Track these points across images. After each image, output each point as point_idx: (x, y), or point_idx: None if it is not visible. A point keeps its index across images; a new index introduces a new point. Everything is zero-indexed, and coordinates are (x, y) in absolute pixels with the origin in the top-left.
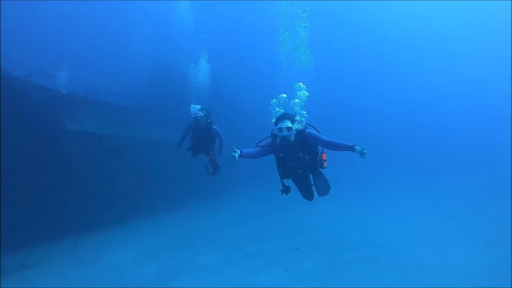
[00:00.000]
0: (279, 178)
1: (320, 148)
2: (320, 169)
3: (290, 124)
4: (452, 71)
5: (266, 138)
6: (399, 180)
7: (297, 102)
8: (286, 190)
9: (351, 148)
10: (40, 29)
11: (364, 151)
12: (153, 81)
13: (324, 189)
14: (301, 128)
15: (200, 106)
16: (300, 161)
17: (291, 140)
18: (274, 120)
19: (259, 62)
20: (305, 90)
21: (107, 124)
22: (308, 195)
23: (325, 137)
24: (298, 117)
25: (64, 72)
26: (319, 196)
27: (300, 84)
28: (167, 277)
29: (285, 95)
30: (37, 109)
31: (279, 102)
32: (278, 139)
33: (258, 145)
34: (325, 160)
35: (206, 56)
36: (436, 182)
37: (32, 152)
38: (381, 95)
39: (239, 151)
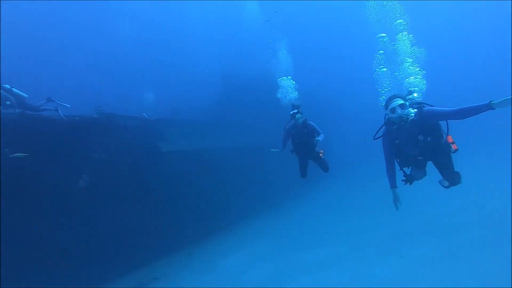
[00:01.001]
0: (399, 168)
1: (445, 129)
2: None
3: (402, 101)
4: None
5: (380, 128)
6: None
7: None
8: (409, 179)
9: (489, 106)
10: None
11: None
12: (227, 90)
13: (454, 178)
14: (416, 104)
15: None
16: (420, 146)
17: (409, 119)
18: (384, 104)
19: (347, 45)
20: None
21: (194, 140)
22: (451, 177)
23: (448, 108)
24: (417, 84)
25: (148, 96)
26: (444, 186)
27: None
28: (281, 276)
29: (384, 34)
30: (135, 138)
31: (383, 58)
32: (395, 123)
33: (375, 137)
34: (452, 143)
35: (285, 44)
36: None
37: (138, 178)
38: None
39: (396, 188)
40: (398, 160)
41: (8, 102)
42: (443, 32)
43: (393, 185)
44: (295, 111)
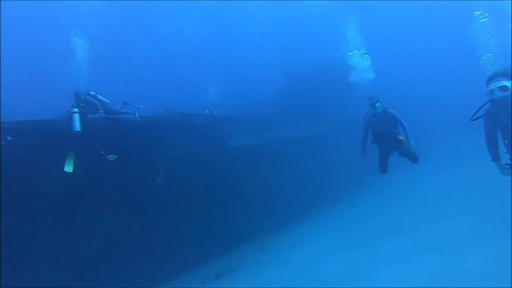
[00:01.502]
0: (506, 150)
1: None
2: None
3: (504, 82)
4: None
5: (482, 106)
6: None
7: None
8: None
9: None
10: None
11: None
12: (290, 80)
13: None
14: None
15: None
16: None
17: None
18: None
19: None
20: None
21: (258, 134)
22: None
23: None
24: None
25: (212, 90)
26: None
27: None
28: (359, 268)
29: None
30: (205, 135)
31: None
32: (496, 104)
33: (473, 118)
34: None
35: (355, 24)
36: None
37: (210, 174)
38: None
39: (499, 160)
40: (506, 142)
41: (100, 111)
42: None
43: (496, 158)
44: (374, 100)
